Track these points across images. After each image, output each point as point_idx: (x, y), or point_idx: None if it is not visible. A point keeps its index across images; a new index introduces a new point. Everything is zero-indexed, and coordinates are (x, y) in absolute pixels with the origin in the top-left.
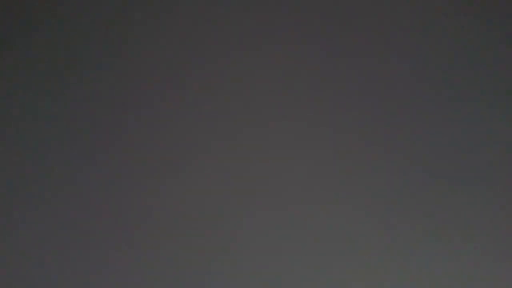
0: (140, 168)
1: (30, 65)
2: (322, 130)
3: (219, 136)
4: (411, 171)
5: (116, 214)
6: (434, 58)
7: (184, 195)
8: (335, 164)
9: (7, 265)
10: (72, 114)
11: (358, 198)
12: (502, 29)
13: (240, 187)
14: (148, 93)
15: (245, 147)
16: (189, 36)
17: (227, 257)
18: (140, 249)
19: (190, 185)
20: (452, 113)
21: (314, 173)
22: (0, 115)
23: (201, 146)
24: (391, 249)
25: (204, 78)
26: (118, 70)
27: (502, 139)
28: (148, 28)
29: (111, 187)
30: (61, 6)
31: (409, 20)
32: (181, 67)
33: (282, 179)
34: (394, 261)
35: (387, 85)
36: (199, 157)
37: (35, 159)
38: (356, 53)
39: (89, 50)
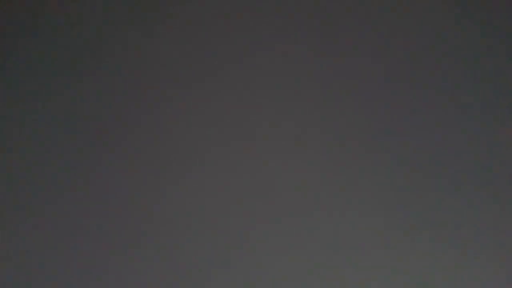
0: (140, 170)
1: (31, 66)
2: (324, 132)
3: (221, 138)
4: (411, 172)
5: (117, 214)
6: (434, 59)
7: (185, 197)
8: (337, 166)
9: (7, 265)
10: (74, 115)
11: (358, 198)
12: (502, 30)
13: (241, 189)
14: (151, 94)
15: (247, 149)
16: (191, 36)
17: (227, 259)
18: (140, 250)
19: (191, 187)
20: (452, 114)
21: (315, 175)
22: (1, 115)
23: (203, 148)
24: (391, 250)
25: (205, 80)
26: (121, 71)
27: (502, 140)
28: (149, 28)
29: (112, 188)
30: (62, 7)
31: (409, 20)
32: (182, 69)
33: (283, 181)
34: (393, 262)
35: (387, 86)
36: (201, 160)
37: (36, 159)
38: (356, 54)
39: (91, 51)
